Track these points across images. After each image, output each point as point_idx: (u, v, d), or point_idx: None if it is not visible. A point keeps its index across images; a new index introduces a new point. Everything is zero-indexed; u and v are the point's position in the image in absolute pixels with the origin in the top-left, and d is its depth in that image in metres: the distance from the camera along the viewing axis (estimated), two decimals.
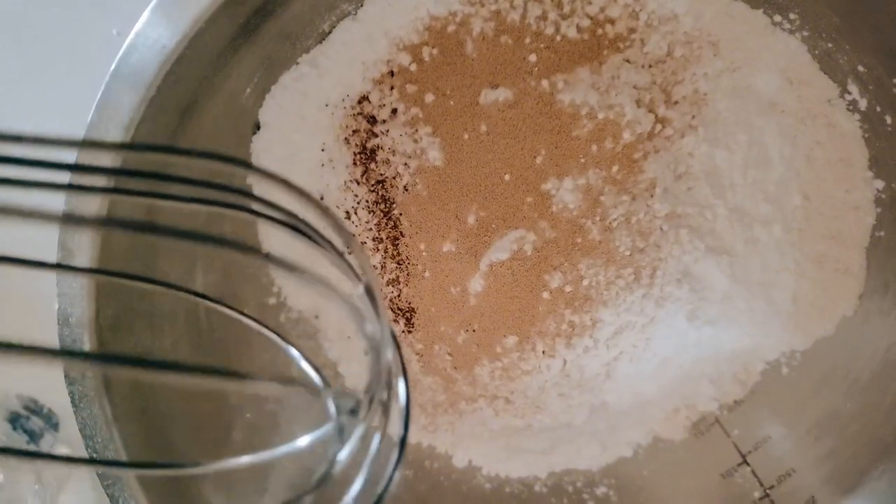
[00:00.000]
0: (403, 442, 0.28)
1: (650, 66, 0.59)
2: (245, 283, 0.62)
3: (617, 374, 0.63)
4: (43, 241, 0.48)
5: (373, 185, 0.61)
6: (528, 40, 0.59)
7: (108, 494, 0.50)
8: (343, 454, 0.25)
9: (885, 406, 0.56)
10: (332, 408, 0.26)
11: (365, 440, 0.26)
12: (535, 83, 0.59)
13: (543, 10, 0.58)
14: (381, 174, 0.61)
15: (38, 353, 0.18)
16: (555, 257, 0.60)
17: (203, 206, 0.27)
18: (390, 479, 0.27)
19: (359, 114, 0.60)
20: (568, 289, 0.61)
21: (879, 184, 0.57)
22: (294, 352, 0.32)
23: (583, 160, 0.59)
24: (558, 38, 0.59)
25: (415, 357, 0.64)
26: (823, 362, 0.60)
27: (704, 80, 0.59)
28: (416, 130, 0.60)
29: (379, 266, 0.62)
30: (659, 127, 0.59)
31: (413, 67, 0.59)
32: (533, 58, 0.59)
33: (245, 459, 0.28)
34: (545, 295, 0.61)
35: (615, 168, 0.59)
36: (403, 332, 0.63)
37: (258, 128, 0.60)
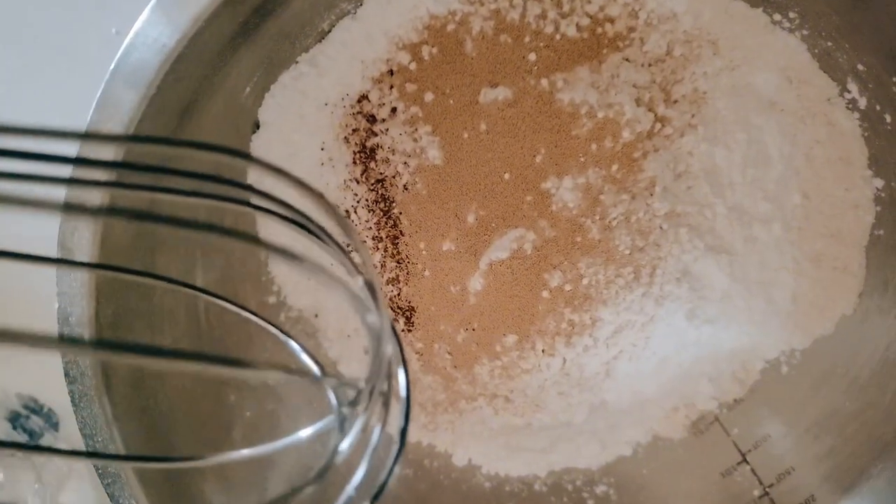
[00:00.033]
0: (404, 433, 0.28)
1: (650, 65, 0.59)
2: (245, 282, 0.62)
3: (616, 372, 0.63)
4: (42, 241, 0.48)
5: (372, 184, 0.61)
6: (527, 39, 0.59)
7: (108, 494, 0.50)
8: (344, 445, 0.25)
9: (884, 404, 0.56)
10: (332, 399, 0.26)
11: (366, 432, 0.26)
12: (535, 82, 0.59)
13: (543, 9, 0.58)
14: (381, 173, 0.61)
15: (38, 341, 0.18)
16: (554, 256, 0.60)
17: (203, 202, 0.27)
18: (391, 470, 0.27)
19: (358, 113, 0.60)
20: (567, 287, 0.61)
21: (879, 182, 0.57)
22: (294, 345, 0.32)
23: (582, 159, 0.59)
24: (558, 36, 0.59)
25: (415, 356, 0.64)
26: (823, 361, 0.60)
27: (704, 79, 0.59)
28: (416, 129, 0.60)
29: (379, 265, 0.62)
30: (658, 126, 0.59)
31: (412, 66, 0.60)
32: (532, 56, 0.59)
33: (246, 452, 0.28)
34: (545, 294, 0.61)
35: (615, 167, 0.59)
36: (403, 330, 0.63)
37: (258, 127, 0.60)
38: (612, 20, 0.59)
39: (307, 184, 0.24)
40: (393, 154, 0.60)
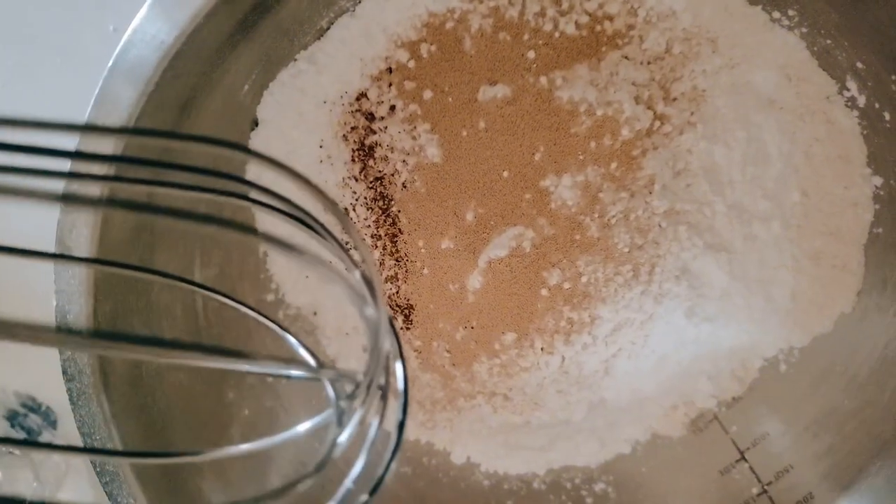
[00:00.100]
0: (402, 427, 0.28)
1: (649, 63, 0.59)
2: (243, 280, 0.62)
3: (615, 370, 0.63)
4: (40, 238, 0.48)
5: (371, 182, 0.61)
6: (526, 37, 0.59)
7: (106, 492, 0.50)
8: (343, 438, 0.25)
9: (882, 402, 0.56)
10: (330, 392, 0.26)
11: (364, 425, 0.26)
12: (534, 80, 0.59)
13: (542, 7, 0.58)
14: (380, 171, 0.61)
15: (37, 332, 0.18)
16: (553, 254, 0.60)
17: (202, 197, 0.27)
18: (389, 464, 0.27)
19: (357, 110, 0.60)
20: (566, 286, 0.61)
21: (878, 180, 0.57)
22: (291, 339, 0.31)
23: (581, 157, 0.59)
24: (557, 34, 0.59)
25: (413, 354, 0.64)
26: (821, 359, 0.60)
27: (703, 77, 0.59)
28: (415, 127, 0.60)
29: (377, 263, 0.62)
30: (657, 124, 0.59)
31: (411, 64, 0.60)
32: (531, 54, 0.59)
33: (244, 447, 0.28)
34: (544, 292, 0.61)
35: (614, 165, 0.59)
36: (402, 328, 0.63)
37: (256, 124, 0.60)
38: (611, 18, 0.58)
39: (307, 178, 0.24)
40: (392, 152, 0.60)
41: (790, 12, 0.57)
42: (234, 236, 0.51)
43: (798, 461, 0.59)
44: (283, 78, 0.60)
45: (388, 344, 0.26)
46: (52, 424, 0.64)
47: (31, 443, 0.61)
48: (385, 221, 0.61)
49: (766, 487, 0.59)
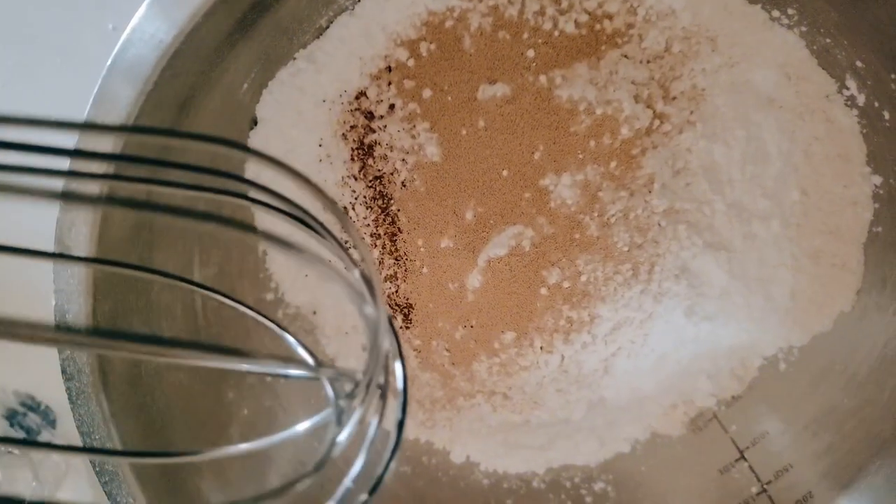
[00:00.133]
0: (401, 426, 0.28)
1: (648, 62, 0.59)
2: (242, 279, 0.62)
3: (615, 369, 0.63)
4: (39, 238, 0.48)
5: (370, 181, 0.61)
6: (525, 36, 0.59)
7: (105, 492, 0.50)
8: (342, 437, 0.25)
9: (882, 401, 0.56)
10: (329, 391, 0.26)
11: (363, 424, 0.26)
12: (533, 79, 0.59)
13: (541, 6, 0.58)
14: (379, 170, 0.61)
15: (36, 331, 0.18)
16: (553, 253, 0.60)
17: (201, 195, 0.27)
18: (388, 463, 0.27)
19: (356, 109, 0.60)
20: (566, 285, 0.61)
21: (877, 179, 0.57)
22: (290, 338, 0.31)
23: (581, 156, 0.59)
24: (556, 33, 0.59)
25: (413, 353, 0.63)
26: (821, 358, 0.60)
27: (702, 76, 0.59)
28: (414, 126, 0.60)
29: (377, 262, 0.62)
30: (657, 122, 0.59)
31: (411, 63, 0.59)
32: (531, 53, 0.59)
33: (243, 446, 0.28)
34: (543, 291, 0.61)
35: (613, 164, 0.59)
36: (401, 327, 0.63)
37: (255, 123, 0.60)
38: (610, 17, 0.58)
39: (307, 177, 0.24)
40: (391, 151, 0.60)
41: (790, 11, 0.57)
42: (233, 235, 0.51)
43: (797, 460, 0.59)
44: (283, 77, 0.60)
45: (387, 343, 0.26)
46: (52, 424, 0.64)
47: (30, 442, 0.61)
48: (384, 220, 0.61)
49: (765, 486, 0.59)
